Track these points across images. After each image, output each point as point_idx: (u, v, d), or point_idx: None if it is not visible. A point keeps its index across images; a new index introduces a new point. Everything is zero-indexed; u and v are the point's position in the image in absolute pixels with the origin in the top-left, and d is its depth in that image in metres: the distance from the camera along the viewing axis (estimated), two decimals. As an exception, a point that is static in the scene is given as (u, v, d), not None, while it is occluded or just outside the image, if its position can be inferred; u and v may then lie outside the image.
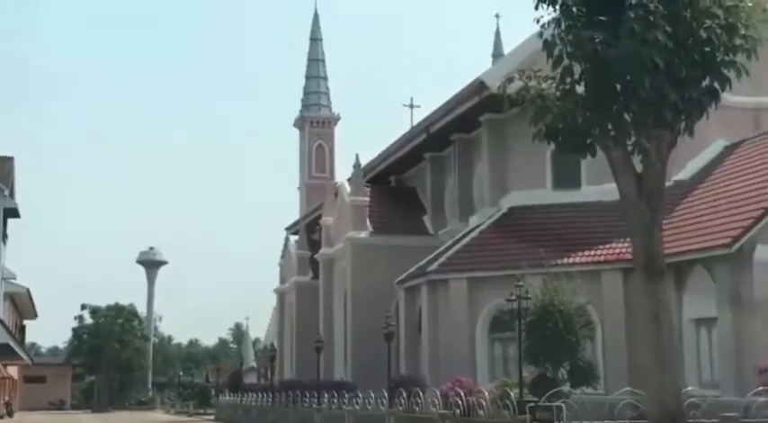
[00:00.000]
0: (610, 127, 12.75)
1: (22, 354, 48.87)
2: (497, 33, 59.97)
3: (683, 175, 28.93)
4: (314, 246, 45.68)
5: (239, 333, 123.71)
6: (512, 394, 17.54)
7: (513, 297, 19.34)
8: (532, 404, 16.63)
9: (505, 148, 30.73)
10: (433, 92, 57.29)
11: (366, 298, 33.99)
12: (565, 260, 26.00)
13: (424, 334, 28.01)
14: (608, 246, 26.03)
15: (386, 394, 24.57)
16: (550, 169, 29.86)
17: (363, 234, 34.68)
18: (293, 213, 57.24)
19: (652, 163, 12.61)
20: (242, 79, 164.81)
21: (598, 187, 28.73)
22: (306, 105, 57.69)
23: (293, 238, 49.82)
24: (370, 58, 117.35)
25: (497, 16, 60.30)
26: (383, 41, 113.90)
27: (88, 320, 77.87)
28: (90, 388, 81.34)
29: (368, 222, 34.96)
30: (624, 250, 25.44)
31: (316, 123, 57.00)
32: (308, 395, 32.51)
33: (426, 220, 36.13)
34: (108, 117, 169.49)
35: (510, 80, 13.76)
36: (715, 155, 29.08)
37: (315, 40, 58.37)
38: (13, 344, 43.66)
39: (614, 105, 12.56)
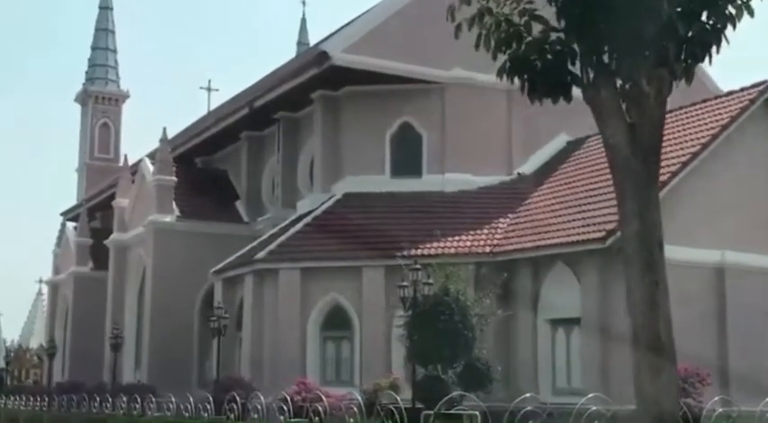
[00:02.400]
0: (597, 61, 10.08)
1: None
2: (303, 21, 57.26)
3: (526, 168, 27.59)
4: (96, 234, 40.94)
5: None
6: (396, 398, 14.70)
7: (407, 283, 16.53)
8: (429, 412, 13.90)
9: (340, 130, 28.01)
10: (232, 77, 53.73)
11: (168, 290, 30.07)
12: (407, 252, 23.63)
13: (245, 330, 24.63)
14: (456, 238, 23.93)
15: (208, 399, 20.97)
16: (389, 155, 27.48)
17: (169, 218, 30.68)
18: (68, 197, 51.63)
19: (649, 110, 10.05)
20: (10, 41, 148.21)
21: (439, 176, 26.85)
22: (90, 79, 52.10)
23: (71, 224, 44.46)
24: (165, 35, 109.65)
25: (304, 3, 57.41)
26: (180, 19, 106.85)
27: None
28: None
29: (174, 205, 30.99)
30: (476, 243, 23.49)
31: (101, 99, 51.57)
32: (94, 399, 28.16)
33: (240, 206, 32.67)
34: None
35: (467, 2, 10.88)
36: (558, 149, 27.91)
37: (104, 8, 52.88)
38: None
39: (603, 35, 9.90)
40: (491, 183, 26.85)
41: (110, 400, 27.53)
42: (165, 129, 31.84)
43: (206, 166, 35.61)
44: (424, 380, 15.92)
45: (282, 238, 25.09)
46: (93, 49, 52.59)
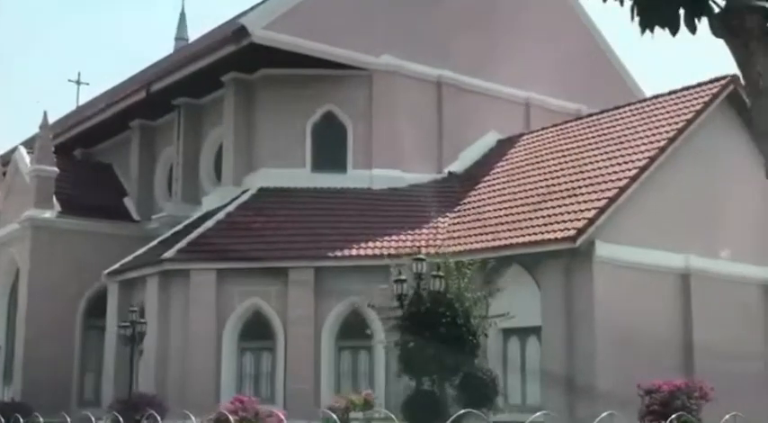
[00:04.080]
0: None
1: None
2: (182, 15, 53.48)
3: (456, 166, 25.56)
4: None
5: None
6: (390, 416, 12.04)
7: (400, 276, 13.90)
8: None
9: (254, 118, 25.12)
10: (102, 70, 49.53)
11: (46, 295, 26.27)
12: (340, 252, 21.13)
13: (148, 341, 21.27)
14: (394, 238, 21.54)
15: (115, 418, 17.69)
16: (310, 147, 24.79)
17: (48, 214, 26.87)
18: None
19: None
20: None
21: (366, 172, 24.50)
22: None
23: None
24: (28, 25, 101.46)
25: (183, -4, 53.86)
26: (46, 4, 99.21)
27: None
28: None
29: (55, 200, 27.21)
30: (416, 244, 21.14)
31: (-44, 87, 46.37)
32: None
33: (129, 203, 29.16)
34: None
35: None
36: (488, 147, 26.02)
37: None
38: None
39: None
40: (421, 180, 24.64)
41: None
42: (45, 112, 28.04)
43: (85, 159, 31.84)
44: (417, 395, 13.33)
45: (192, 235, 21.98)
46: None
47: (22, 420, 21.10)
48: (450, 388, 13.89)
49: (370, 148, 24.58)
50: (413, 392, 13.70)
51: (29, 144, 30.41)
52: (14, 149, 30.76)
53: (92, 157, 32.02)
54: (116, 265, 23.43)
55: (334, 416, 13.24)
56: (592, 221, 17.99)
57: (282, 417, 13.70)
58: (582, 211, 18.46)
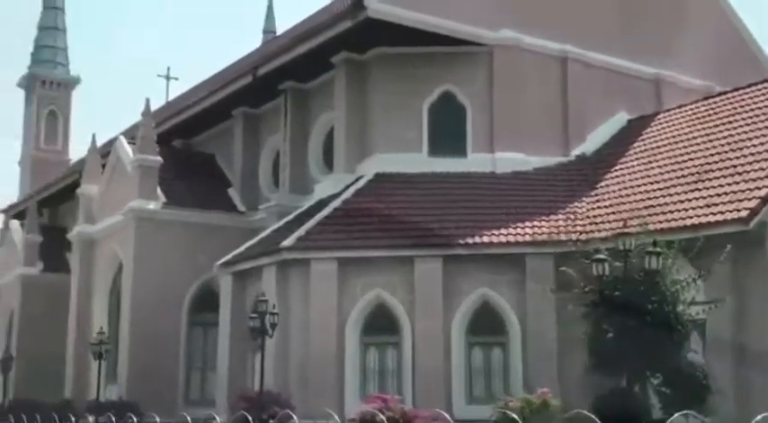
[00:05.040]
0: None
1: None
2: (270, 8, 52.84)
3: (585, 148, 23.75)
4: (44, 232, 35.78)
5: None
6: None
7: (602, 256, 12.16)
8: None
9: (367, 101, 23.68)
10: (192, 66, 48.85)
11: (151, 289, 25.33)
12: (471, 240, 19.55)
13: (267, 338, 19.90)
14: (528, 224, 19.87)
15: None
16: (427, 130, 23.21)
17: (152, 205, 25.88)
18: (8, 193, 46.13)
19: None
20: None
21: (488, 156, 22.79)
22: (37, 61, 46.70)
23: (14, 222, 38.95)
24: (118, 16, 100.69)
25: (269, -12, 52.97)
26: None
27: None
28: None
29: (159, 191, 26.20)
30: (554, 230, 19.46)
31: (49, 85, 46.19)
32: (56, 420, 23.35)
33: (233, 193, 28.03)
34: None
35: None
36: (619, 127, 24.14)
37: (53, -16, 47.68)
38: None
39: None
40: (547, 164, 22.89)
41: (75, 420, 22.89)
42: (147, 100, 27.09)
43: (186, 149, 30.84)
44: (613, 395, 11.57)
45: (310, 223, 20.62)
46: (41, 28, 47.23)
47: (135, 420, 20.06)
48: (653, 386, 12.10)
49: (492, 131, 22.91)
50: (607, 392, 11.95)
51: (127, 135, 29.59)
52: (114, 140, 29.94)
53: (191, 148, 31.01)
54: (229, 256, 22.21)
55: (515, 415, 11.62)
56: (765, 201, 16.04)
57: (448, 417, 12.15)
58: (751, 189, 16.52)
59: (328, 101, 24.57)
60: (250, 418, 15.27)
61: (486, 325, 19.24)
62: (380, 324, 19.70)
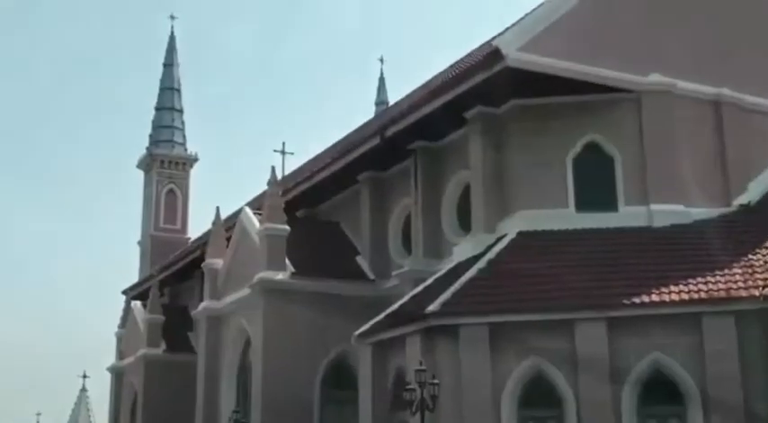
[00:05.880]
0: None
1: None
2: (381, 80, 52.37)
3: (746, 198, 21.65)
4: (166, 311, 35.25)
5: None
6: None
7: None
8: None
9: (504, 156, 22.21)
10: (306, 139, 48.56)
11: (282, 364, 24.10)
12: (638, 299, 17.62)
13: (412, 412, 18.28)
14: (701, 280, 17.85)
15: None
16: (573, 184, 21.55)
17: (281, 275, 24.81)
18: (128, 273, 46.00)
19: None
20: (71, 106, 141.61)
21: (642, 208, 20.92)
22: (155, 142, 47.17)
23: (136, 303, 38.60)
24: (234, 94, 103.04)
25: (381, 61, 52.72)
26: (247, 78, 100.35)
27: None
28: None
29: (287, 261, 25.15)
30: (731, 284, 17.38)
31: (167, 164, 46.49)
32: None
33: (362, 261, 26.78)
34: None
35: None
36: (785, 174, 22.02)
37: (169, 65, 48.39)
38: None
39: None
40: (709, 215, 20.91)
41: None
42: (273, 168, 26.31)
43: (311, 219, 29.87)
44: None
45: (455, 286, 19.06)
46: (158, 109, 47.85)
47: None
48: None
49: (645, 182, 21.11)
50: None
51: (252, 205, 28.83)
52: (238, 213, 29.22)
53: (316, 217, 30.05)
54: (366, 326, 20.78)
55: None
56: None
57: None
58: None
59: (462, 159, 23.23)
60: None
61: (660, 394, 17.17)
62: (539, 396, 17.84)
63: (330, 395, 24.65)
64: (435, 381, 16.03)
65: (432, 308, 18.34)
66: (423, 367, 15.35)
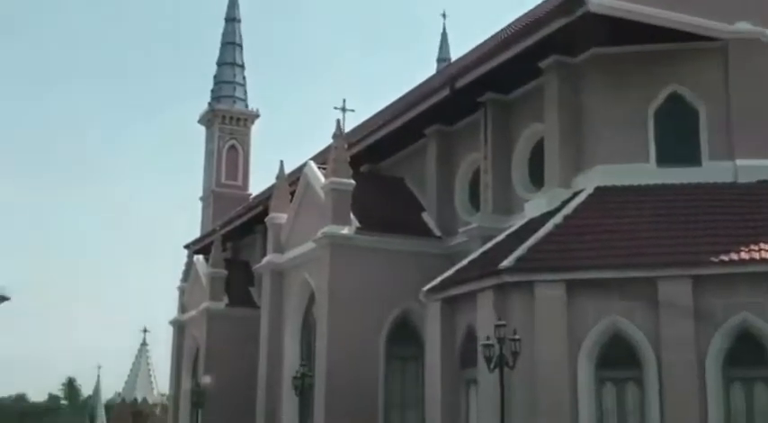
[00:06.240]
0: None
1: None
2: (444, 35, 51.31)
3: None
4: (228, 266, 35.11)
5: (72, 390, 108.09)
6: None
7: None
8: None
9: (582, 108, 21.34)
10: (368, 97, 47.79)
11: (347, 319, 23.69)
12: (725, 257, 16.73)
13: (481, 371, 17.71)
14: (791, 238, 16.90)
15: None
16: (654, 138, 20.60)
17: (346, 230, 24.31)
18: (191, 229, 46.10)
19: None
20: (134, 61, 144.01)
21: (728, 164, 19.89)
22: (216, 97, 46.89)
23: (198, 257, 38.52)
24: (296, 50, 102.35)
25: (444, 16, 51.55)
26: (309, 34, 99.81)
27: None
28: None
29: (352, 216, 24.64)
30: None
31: (228, 120, 46.21)
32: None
33: (427, 218, 26.15)
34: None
35: None
36: None
37: (231, 20, 47.92)
38: None
39: None
40: (797, 171, 19.80)
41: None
42: (339, 121, 25.68)
43: (375, 174, 29.26)
44: None
45: (530, 242, 18.33)
46: (219, 64, 47.48)
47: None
48: None
49: (730, 135, 20.06)
50: None
51: (315, 161, 28.30)
52: (302, 167, 28.75)
53: (379, 172, 29.45)
54: (436, 281, 20.20)
55: None
56: None
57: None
58: None
59: (535, 111, 22.37)
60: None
61: (748, 356, 16.34)
62: (618, 356, 17.11)
63: (394, 352, 24.23)
64: (516, 336, 15.38)
65: (506, 263, 17.65)
66: (502, 322, 14.69)
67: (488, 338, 15.13)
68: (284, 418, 26.35)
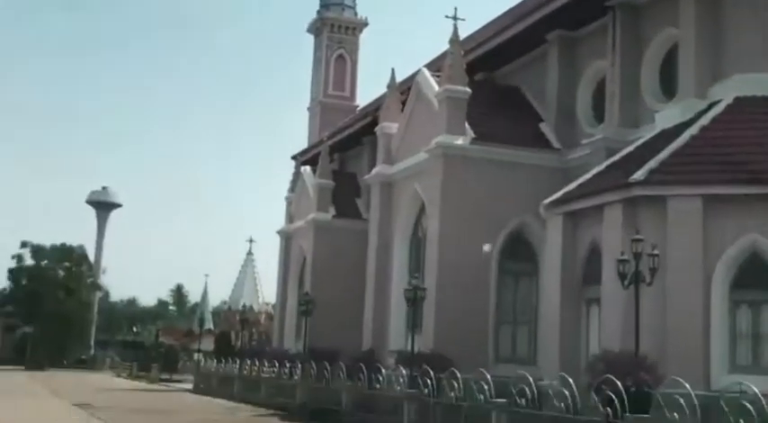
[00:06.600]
0: None
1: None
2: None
3: None
4: (335, 177, 34.72)
5: (180, 296, 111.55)
6: None
7: None
8: None
9: (720, 13, 19.69)
10: (478, 8, 45.73)
11: (458, 232, 22.96)
12: None
13: (608, 287, 16.81)
14: None
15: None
16: (803, 44, 18.88)
17: (461, 140, 23.40)
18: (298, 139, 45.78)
19: None
20: None
21: None
22: (325, 5, 45.96)
23: (306, 168, 38.20)
24: None
25: None
26: None
27: (29, 261, 65.16)
28: (23, 341, 68.56)
29: (467, 126, 23.67)
30: None
31: (337, 28, 45.30)
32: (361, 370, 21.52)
33: (545, 129, 24.98)
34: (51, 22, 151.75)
35: None
36: None
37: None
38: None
39: None
40: None
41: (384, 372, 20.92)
42: (455, 25, 24.50)
43: (491, 83, 28.06)
44: None
45: (663, 154, 17.10)
46: (327, -28, 46.41)
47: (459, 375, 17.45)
48: None
49: None
50: None
51: (429, 69, 27.27)
52: (414, 75, 27.77)
53: (494, 81, 28.24)
54: (558, 194, 19.20)
55: None
56: None
57: None
58: None
59: (669, 15, 20.80)
60: (620, 384, 12.26)
61: None
62: (755, 277, 15.94)
63: (506, 267, 23.50)
64: (655, 252, 14.37)
65: (637, 176, 16.51)
66: (640, 237, 13.68)
67: (623, 254, 14.13)
68: (391, 331, 26.06)
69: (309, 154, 40.72)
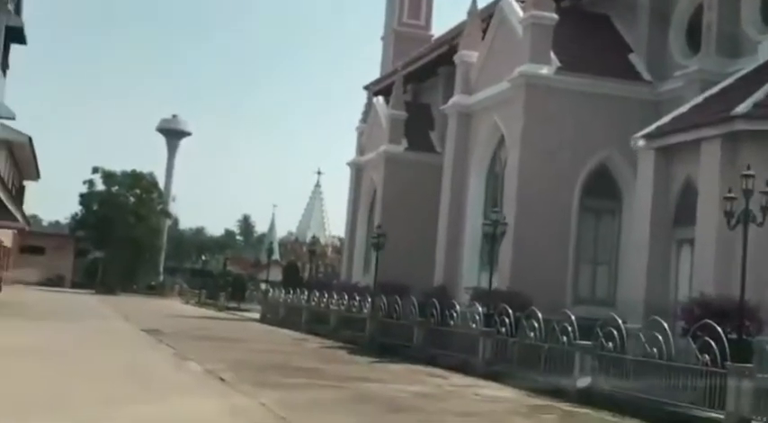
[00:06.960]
0: None
1: (17, 214, 37.55)
2: None
3: None
4: (408, 109, 33.81)
5: (247, 226, 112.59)
6: None
7: None
8: None
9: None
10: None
11: (538, 166, 22.02)
12: None
13: (701, 226, 15.74)
14: None
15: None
16: None
17: (545, 70, 22.25)
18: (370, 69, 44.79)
19: None
20: None
21: None
22: (402, -70, 44.28)
23: (378, 98, 37.28)
24: None
25: None
26: None
27: (100, 187, 65.99)
28: (94, 265, 69.98)
29: (552, 55, 22.48)
30: None
31: (413, -45, 43.72)
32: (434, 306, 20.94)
33: (635, 60, 23.63)
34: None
35: None
36: None
37: None
38: (5, 199, 32.17)
39: None
40: None
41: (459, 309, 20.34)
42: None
43: (577, 10, 26.63)
44: None
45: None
46: None
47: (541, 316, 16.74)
48: None
49: None
50: None
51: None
52: (495, 2, 26.50)
53: (581, 8, 26.79)
54: (651, 128, 18.06)
55: None
56: None
57: None
58: None
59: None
60: (721, 330, 11.37)
61: None
62: None
63: (588, 203, 22.53)
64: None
65: (740, 109, 15.31)
66: (751, 172, 12.61)
67: (731, 191, 13.06)
68: (464, 267, 25.38)
69: (382, 84, 39.77)
